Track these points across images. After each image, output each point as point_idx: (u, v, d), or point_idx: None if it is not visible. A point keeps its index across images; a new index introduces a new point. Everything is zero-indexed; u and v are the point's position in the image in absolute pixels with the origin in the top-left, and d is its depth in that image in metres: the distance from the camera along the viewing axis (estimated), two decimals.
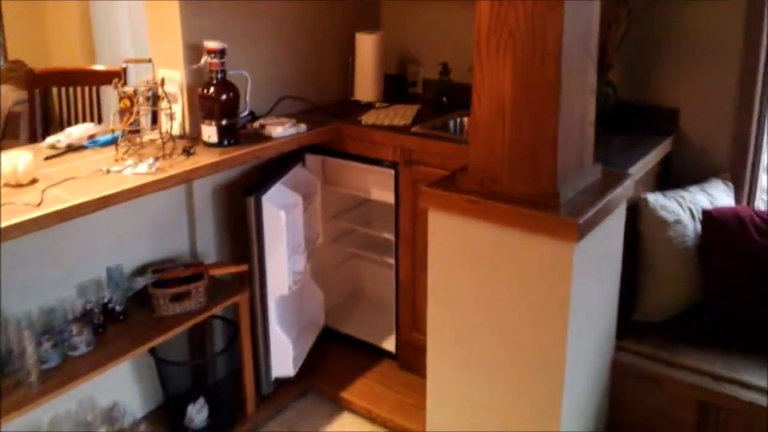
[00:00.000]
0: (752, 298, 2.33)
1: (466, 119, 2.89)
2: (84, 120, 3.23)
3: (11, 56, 4.85)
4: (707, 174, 2.63)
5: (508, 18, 1.89)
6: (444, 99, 2.99)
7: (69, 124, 3.20)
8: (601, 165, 2.18)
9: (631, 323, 2.48)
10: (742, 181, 2.60)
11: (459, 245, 2.09)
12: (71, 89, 3.26)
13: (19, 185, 1.95)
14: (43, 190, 1.92)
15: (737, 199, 2.60)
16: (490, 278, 2.05)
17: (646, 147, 2.49)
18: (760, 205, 2.69)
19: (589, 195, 2.03)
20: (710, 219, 2.39)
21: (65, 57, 4.27)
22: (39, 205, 1.83)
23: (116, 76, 3.20)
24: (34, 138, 3.41)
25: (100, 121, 3.25)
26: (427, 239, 2.57)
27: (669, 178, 2.71)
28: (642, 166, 2.38)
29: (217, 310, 2.43)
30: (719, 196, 2.54)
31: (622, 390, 2.39)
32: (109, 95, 3.33)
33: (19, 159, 1.96)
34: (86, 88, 3.25)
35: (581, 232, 1.87)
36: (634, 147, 2.49)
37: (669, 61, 2.66)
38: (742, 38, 2.50)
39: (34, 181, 1.98)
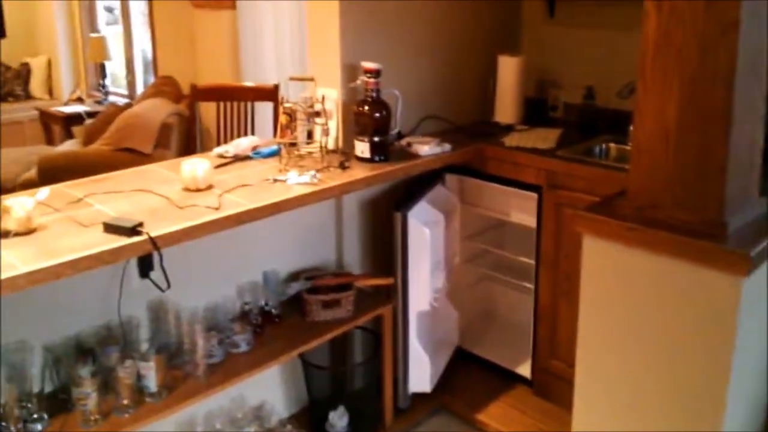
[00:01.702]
0: None
1: (613, 145, 2.87)
2: (239, 133, 3.43)
3: (161, 72, 5.24)
4: None
5: (676, 38, 1.87)
6: (588, 123, 2.97)
7: (226, 137, 3.42)
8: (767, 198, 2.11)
9: None
10: None
11: (615, 273, 2.06)
12: (227, 104, 3.47)
13: (198, 190, 2.10)
14: (220, 195, 2.06)
15: None
16: (647, 310, 2.00)
17: None
18: None
19: (756, 227, 1.95)
20: None
21: (212, 74, 4.55)
22: (218, 208, 1.96)
23: (268, 93, 3.42)
24: (187, 148, 3.65)
25: (253, 133, 3.44)
26: (571, 265, 2.58)
27: None
28: None
29: (364, 320, 2.51)
30: None
31: None
32: (262, 110, 3.54)
33: (198, 166, 2.12)
34: (241, 104, 3.46)
35: (752, 264, 1.80)
36: None
37: None
38: None
39: (210, 187, 2.13)
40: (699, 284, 1.89)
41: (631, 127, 2.80)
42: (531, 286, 2.85)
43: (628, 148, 2.82)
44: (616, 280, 2.06)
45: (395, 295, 2.61)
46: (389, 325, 2.58)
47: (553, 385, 2.81)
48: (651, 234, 1.94)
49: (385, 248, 2.67)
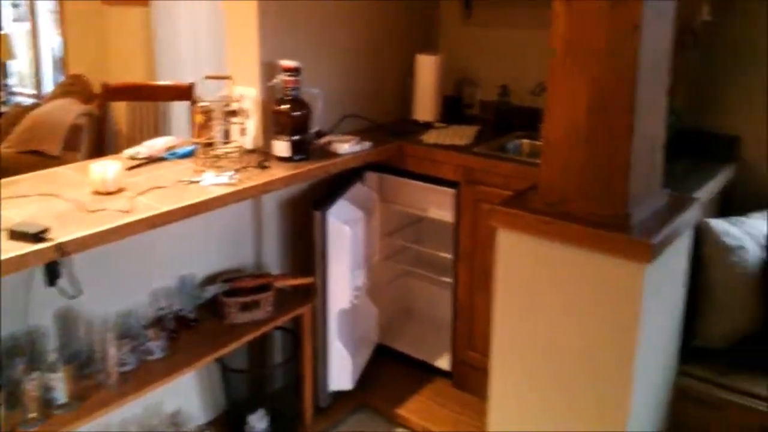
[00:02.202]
0: None
1: (526, 141, 2.94)
2: (153, 134, 3.34)
3: (72, 71, 5.02)
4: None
5: (584, 38, 1.94)
6: (503, 121, 3.04)
7: (139, 138, 3.31)
8: (668, 190, 2.21)
9: (692, 349, 2.48)
10: None
11: (529, 264, 2.12)
12: (140, 104, 3.37)
13: (109, 193, 2.03)
14: (132, 198, 2.00)
15: None
16: (559, 298, 2.08)
17: (710, 173, 2.52)
18: None
19: (658, 218, 2.05)
20: None
21: (125, 73, 4.40)
22: (129, 212, 1.90)
23: (184, 92, 3.33)
24: (98, 150, 3.52)
25: (168, 134, 3.35)
26: (487, 258, 2.64)
27: (730, 205, 2.72)
28: (706, 192, 2.40)
29: (283, 320, 2.49)
30: None
31: (683, 414, 2.38)
32: (179, 109, 3.45)
33: (109, 168, 2.05)
34: (155, 103, 3.36)
35: (653, 252, 1.89)
36: (698, 173, 2.51)
37: (732, 90, 2.68)
38: None
39: (121, 190, 2.06)
40: (606, 272, 1.97)
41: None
42: (449, 280, 2.90)
43: (540, 143, 2.91)
44: (529, 271, 2.13)
45: (315, 294, 2.60)
46: (309, 325, 2.57)
47: (471, 376, 2.86)
48: (563, 226, 2.01)
49: (306, 248, 2.65)
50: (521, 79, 3.04)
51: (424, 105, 3.14)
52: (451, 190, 2.76)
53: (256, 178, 2.26)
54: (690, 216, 2.17)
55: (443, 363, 3.00)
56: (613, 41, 1.89)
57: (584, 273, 2.02)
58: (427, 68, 3.10)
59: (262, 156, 2.45)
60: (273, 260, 2.75)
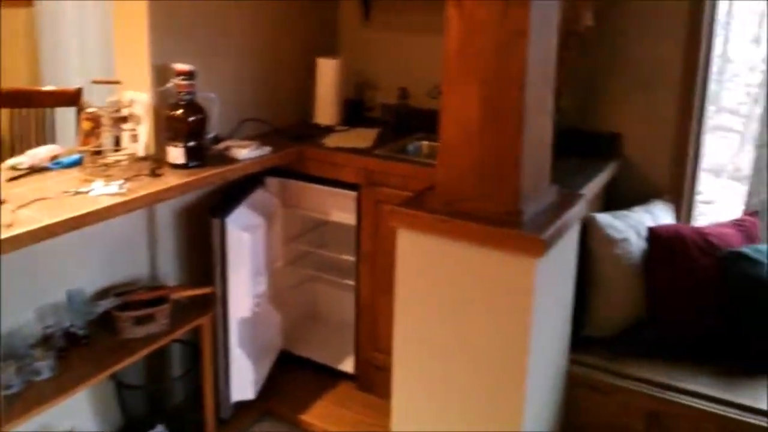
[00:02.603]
0: (691, 311, 2.49)
1: (425, 142, 2.99)
2: (37, 142, 3.15)
3: None
4: (649, 196, 2.81)
5: (475, 42, 1.99)
6: (402, 123, 3.08)
7: (22, 146, 3.12)
8: (557, 186, 2.31)
9: (582, 338, 2.59)
10: (681, 201, 2.79)
11: (427, 263, 2.16)
12: (22, 110, 3.18)
13: None
14: (13, 211, 1.89)
15: (677, 219, 2.78)
16: (456, 294, 2.13)
17: (594, 170, 2.64)
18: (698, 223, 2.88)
19: (548, 214, 2.14)
20: (654, 236, 2.55)
21: (6, 78, 4.14)
22: (11, 225, 1.79)
23: (70, 98, 3.17)
24: None
25: (54, 142, 3.18)
26: (389, 259, 2.64)
27: (614, 199, 2.88)
28: (592, 188, 2.52)
29: (181, 332, 2.41)
30: (661, 215, 2.71)
31: (575, 400, 2.49)
32: (65, 116, 3.28)
33: None
34: (39, 110, 3.18)
35: (544, 247, 1.97)
36: (583, 170, 2.63)
37: (614, 90, 2.84)
38: (681, 69, 2.70)
39: (1, 203, 1.94)
40: (500, 267, 2.04)
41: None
42: (352, 283, 2.91)
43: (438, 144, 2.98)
44: (428, 270, 2.17)
45: (214, 304, 2.54)
46: (209, 336, 2.50)
47: (376, 377, 2.88)
48: (459, 224, 2.06)
49: (204, 257, 2.58)
50: (420, 82, 3.09)
51: (325, 108, 3.14)
52: (352, 193, 2.77)
53: (149, 186, 2.18)
54: (577, 211, 2.27)
55: (347, 366, 3.01)
56: (502, 46, 1.96)
57: (480, 269, 2.08)
58: (327, 72, 3.10)
59: (155, 163, 2.37)
60: (169, 271, 2.67)
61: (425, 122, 3.04)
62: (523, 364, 2.05)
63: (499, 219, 2.04)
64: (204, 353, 2.52)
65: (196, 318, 2.45)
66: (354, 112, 3.27)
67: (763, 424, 2.22)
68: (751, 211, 2.80)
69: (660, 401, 2.34)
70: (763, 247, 2.51)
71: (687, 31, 2.68)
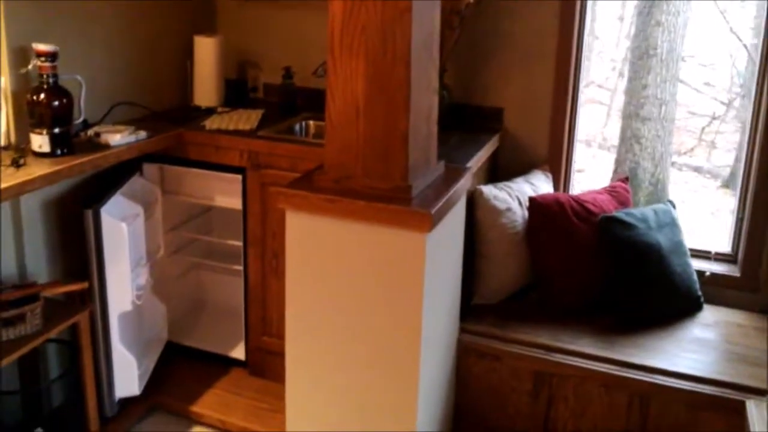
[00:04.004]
0: (572, 275, 2.61)
1: (312, 122, 2.94)
2: None
3: None
4: (530, 166, 2.91)
5: (360, 19, 1.96)
6: (288, 103, 3.01)
7: None
8: (443, 161, 2.33)
9: (471, 306, 2.66)
10: (559, 170, 2.90)
11: (317, 244, 2.13)
12: None
13: None
14: None
15: (555, 187, 2.89)
16: (348, 274, 2.11)
17: (479, 144, 2.70)
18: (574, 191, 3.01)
19: (435, 188, 2.16)
20: (535, 205, 2.64)
21: None
22: None
23: None
24: None
25: None
26: (278, 242, 2.62)
27: (497, 171, 2.96)
28: (476, 161, 2.57)
29: (56, 332, 2.25)
30: (541, 185, 2.81)
31: (466, 367, 2.55)
32: None
33: None
34: None
35: (433, 222, 1.98)
36: (468, 144, 2.68)
37: (495, 65, 2.90)
38: (556, 44, 2.79)
39: None
40: (391, 244, 2.04)
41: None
42: (240, 268, 2.83)
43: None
44: (319, 250, 2.13)
45: (92, 299, 2.39)
46: (87, 333, 2.35)
47: (267, 362, 2.84)
48: (347, 203, 2.04)
49: (78, 250, 2.42)
50: (304, 61, 3.03)
51: (205, 90, 3.00)
52: (237, 176, 2.68)
53: (10, 178, 2.00)
54: (463, 184, 2.31)
55: (238, 353, 2.93)
56: (387, 22, 1.94)
57: (370, 247, 2.07)
58: (206, 51, 2.97)
59: (18, 152, 2.18)
60: (40, 267, 2.47)
61: (311, 102, 3.00)
62: (416, 339, 2.07)
63: (387, 196, 2.03)
64: (83, 351, 2.37)
65: (72, 315, 2.30)
66: (236, 93, 3.16)
67: (637, 377, 2.35)
68: (622, 177, 2.95)
69: (546, 362, 2.44)
70: (635, 210, 2.65)
71: (561, 7, 2.77)
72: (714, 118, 5.62)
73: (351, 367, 2.18)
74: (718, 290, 2.77)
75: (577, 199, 2.66)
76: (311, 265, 2.15)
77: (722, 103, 5.67)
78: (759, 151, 2.67)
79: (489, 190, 2.62)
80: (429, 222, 1.97)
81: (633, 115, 4.72)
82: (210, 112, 2.95)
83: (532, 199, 2.64)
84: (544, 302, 2.67)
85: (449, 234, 2.30)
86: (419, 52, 2.00)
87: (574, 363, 2.41)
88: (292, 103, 3.02)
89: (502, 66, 2.89)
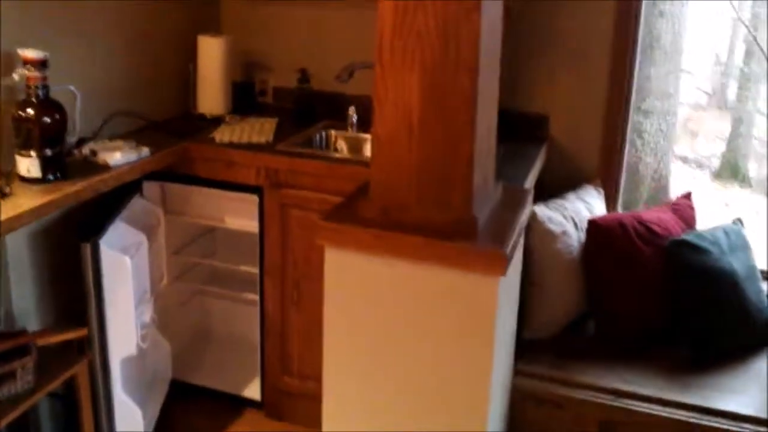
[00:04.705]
0: (636, 305, 2.32)
1: (333, 132, 2.62)
2: None
3: None
4: (578, 180, 2.60)
5: (416, 21, 1.63)
6: (304, 109, 2.67)
7: None
8: (500, 182, 2.02)
9: (521, 342, 2.35)
10: (612, 185, 2.61)
11: (363, 285, 1.80)
12: None
13: None
14: None
15: (608, 204, 2.60)
16: (399, 323, 1.79)
17: (528, 158, 2.40)
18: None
19: (499, 218, 1.85)
20: (596, 228, 2.34)
21: None
22: None
23: None
24: None
25: None
26: (300, 269, 2.33)
27: (543, 185, 2.64)
28: (532, 178, 2.27)
29: (51, 388, 1.90)
30: (594, 202, 2.52)
31: (522, 414, 2.25)
32: None
33: None
34: None
35: (507, 262, 1.67)
36: (517, 158, 2.37)
37: (540, 68, 2.59)
38: (611, 46, 2.49)
39: None
40: (455, 289, 1.72)
41: (350, 112, 2.61)
42: (254, 296, 2.50)
43: (350, 135, 2.61)
44: (365, 291, 1.81)
45: (90, 346, 2.04)
46: (86, 387, 2.01)
47: (286, 403, 2.53)
48: (399, 239, 1.72)
49: (73, 288, 2.06)
50: (323, 62, 2.69)
51: (211, 96, 2.65)
52: (253, 197, 2.34)
53: None
54: (527, 210, 2.00)
55: (252, 392, 2.60)
56: (450, 24, 1.61)
57: (428, 291, 1.75)
58: (211, 52, 2.62)
59: (3, 179, 1.82)
60: (30, 312, 2.10)
61: (330, 108, 2.67)
62: (484, 397, 1.77)
63: (448, 230, 1.71)
64: (82, 407, 2.03)
65: (69, 367, 1.95)
66: (244, 99, 2.81)
67: (715, 424, 2.08)
68: (685, 194, 2.65)
69: (614, 410, 2.15)
70: (706, 233, 2.37)
71: (617, 6, 2.47)
72: (699, 107, 5.40)
73: (405, 419, 1.85)
74: None
75: (640, 220, 2.36)
76: (355, 310, 1.82)
77: (705, 92, 5.43)
78: None
79: (543, 212, 2.31)
80: (503, 263, 1.65)
81: (634, 108, 4.48)
82: (217, 121, 2.59)
83: (592, 222, 2.34)
84: (604, 335, 2.38)
85: (515, 270, 1.98)
86: (486, 59, 1.68)
87: (646, 410, 2.13)
88: (309, 110, 2.69)
89: (548, 68, 2.58)
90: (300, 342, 2.41)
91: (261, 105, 2.87)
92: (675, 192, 3.66)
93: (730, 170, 5.42)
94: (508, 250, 1.67)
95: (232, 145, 2.34)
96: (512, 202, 1.95)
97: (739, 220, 2.51)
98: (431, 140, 1.70)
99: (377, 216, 1.77)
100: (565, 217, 2.36)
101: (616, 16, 2.48)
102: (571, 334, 2.41)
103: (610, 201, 2.63)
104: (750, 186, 5.34)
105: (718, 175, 5.44)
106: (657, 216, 2.41)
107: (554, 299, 2.36)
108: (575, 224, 2.38)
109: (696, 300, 2.28)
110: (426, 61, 1.65)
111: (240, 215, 2.47)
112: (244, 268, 2.57)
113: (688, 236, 2.32)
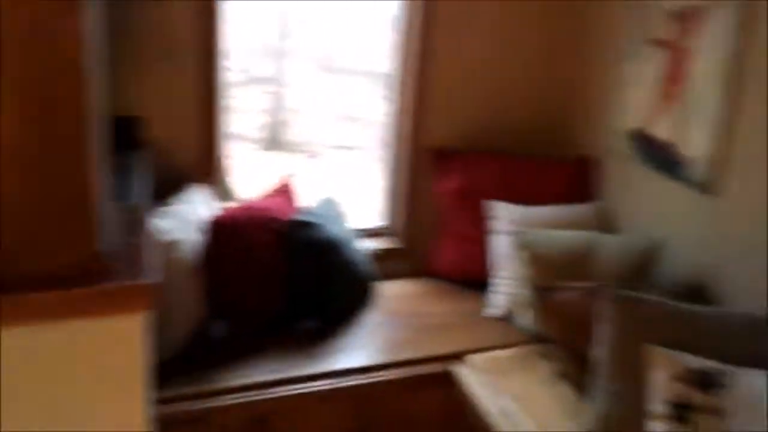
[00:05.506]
0: (259, 295, 2.30)
1: None
2: None
3: None
4: (185, 181, 2.41)
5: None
6: None
7: None
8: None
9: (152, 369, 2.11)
10: (216, 181, 2.50)
11: None
12: None
13: None
14: None
15: (219, 200, 2.49)
16: (37, 394, 1.43)
17: (127, 166, 2.10)
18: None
19: (125, 242, 1.57)
20: (212, 227, 2.21)
21: None
22: None
23: None
24: None
25: None
26: None
27: (151, 194, 2.38)
28: (140, 187, 2.00)
29: None
30: (201, 202, 2.37)
31: None
32: None
33: None
34: None
35: (156, 292, 1.45)
36: (119, 168, 2.06)
37: (132, 69, 2.30)
38: (199, 42, 2.35)
39: None
40: (93, 338, 1.43)
41: None
42: None
43: None
44: None
45: None
46: None
47: None
48: (12, 302, 1.33)
49: None
50: None
51: None
52: None
53: None
54: (150, 227, 1.77)
55: None
56: (41, 23, 1.26)
57: (62, 354, 1.42)
58: None
59: None
60: None
61: None
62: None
63: (74, 274, 1.39)
64: None
65: None
66: None
67: (344, 384, 2.21)
68: (287, 175, 2.64)
69: (259, 404, 2.13)
70: (313, 209, 2.44)
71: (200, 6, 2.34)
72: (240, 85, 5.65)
73: None
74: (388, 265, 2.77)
75: (258, 210, 2.31)
76: None
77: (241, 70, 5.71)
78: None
79: (154, 225, 2.07)
80: (150, 294, 1.43)
81: None
82: None
83: (207, 222, 2.20)
84: (235, 333, 2.31)
85: None
86: (93, 60, 1.38)
87: (289, 392, 2.16)
88: None
89: (140, 68, 2.32)
90: None
91: None
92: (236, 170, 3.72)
93: (273, 139, 5.87)
94: (153, 279, 1.44)
95: None
96: (131, 222, 1.69)
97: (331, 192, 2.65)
98: (34, 166, 1.34)
99: None
100: (178, 224, 2.17)
101: (201, 14, 2.35)
102: (203, 342, 2.26)
103: (220, 197, 2.53)
104: (292, 150, 5.85)
105: (270, 147, 5.80)
106: (270, 203, 2.39)
107: (176, 312, 2.15)
108: (189, 228, 2.21)
109: (314, 273, 2.34)
110: (15, 71, 1.27)
111: None
112: None
113: (300, 215, 2.36)
